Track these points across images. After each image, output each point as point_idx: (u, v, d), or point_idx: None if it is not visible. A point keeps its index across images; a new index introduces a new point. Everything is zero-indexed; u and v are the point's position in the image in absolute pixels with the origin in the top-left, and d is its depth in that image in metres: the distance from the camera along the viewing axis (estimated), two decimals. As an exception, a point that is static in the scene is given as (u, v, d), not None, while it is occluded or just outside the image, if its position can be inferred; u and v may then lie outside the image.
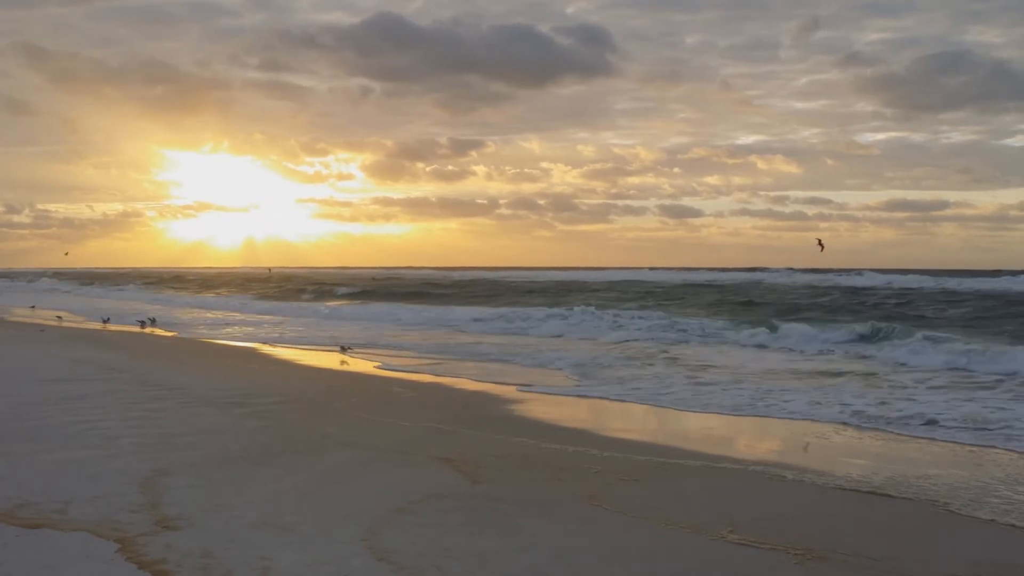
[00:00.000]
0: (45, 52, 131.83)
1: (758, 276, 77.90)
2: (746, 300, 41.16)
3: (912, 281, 58.98)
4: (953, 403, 12.51)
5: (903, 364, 17.47)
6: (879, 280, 62.36)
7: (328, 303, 49.38)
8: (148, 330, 27.96)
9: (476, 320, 31.18)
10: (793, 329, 23.87)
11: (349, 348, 20.47)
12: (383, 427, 10.61)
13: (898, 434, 10.55)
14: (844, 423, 11.14)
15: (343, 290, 60.11)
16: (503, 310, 34.65)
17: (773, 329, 24.03)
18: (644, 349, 21.11)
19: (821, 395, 13.33)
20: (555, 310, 32.72)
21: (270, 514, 6.64)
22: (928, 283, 56.95)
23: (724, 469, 8.65)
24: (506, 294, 52.67)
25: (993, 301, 37.04)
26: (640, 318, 29.11)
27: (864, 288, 51.87)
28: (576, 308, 32.60)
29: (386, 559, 5.70)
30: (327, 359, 19.46)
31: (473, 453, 9.06)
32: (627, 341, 23.51)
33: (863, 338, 21.97)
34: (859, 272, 74.53)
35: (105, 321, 30.73)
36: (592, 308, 32.28)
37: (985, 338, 21.29)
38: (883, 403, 12.50)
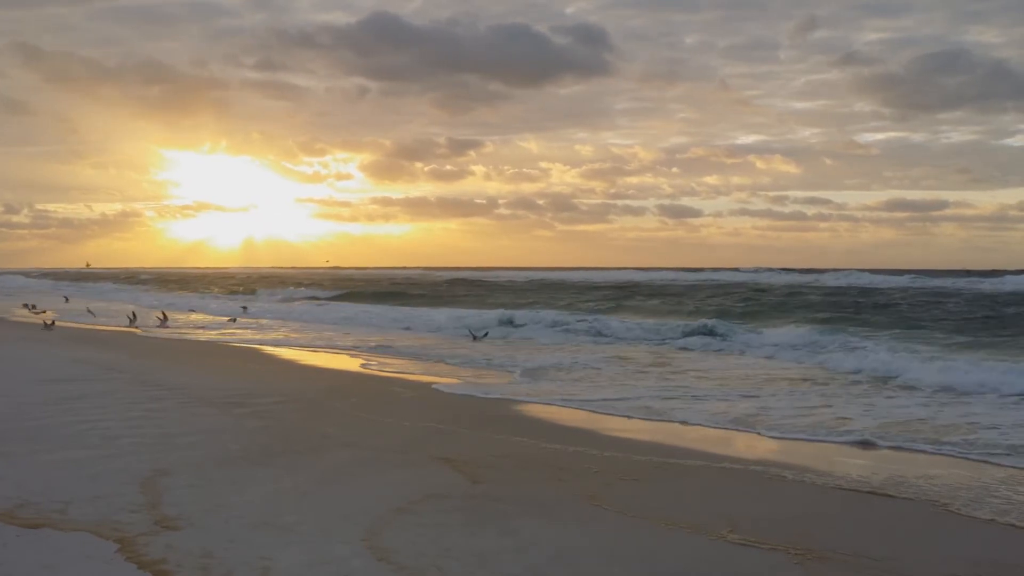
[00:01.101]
0: (44, 52, 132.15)
1: (746, 276, 78.09)
2: (711, 302, 40.57)
3: (902, 281, 58.93)
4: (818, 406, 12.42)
5: (830, 368, 17.13)
6: (865, 280, 62.45)
7: (299, 303, 49.39)
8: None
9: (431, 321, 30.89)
10: (734, 331, 23.75)
11: (481, 337, 20.54)
12: (383, 427, 10.61)
13: (733, 430, 10.77)
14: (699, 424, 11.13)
15: (303, 292, 59.90)
16: (451, 311, 34.82)
17: (710, 332, 23.74)
18: (578, 351, 21.27)
19: (716, 396, 13.32)
20: (499, 312, 32.14)
21: (270, 514, 6.64)
22: (917, 283, 56.82)
23: (724, 469, 8.65)
24: (477, 295, 52.27)
25: (983, 302, 36.90)
26: (581, 320, 28.60)
27: (848, 288, 51.91)
28: (522, 311, 32.13)
29: (386, 559, 5.70)
30: (327, 359, 19.48)
31: (473, 453, 9.06)
32: (565, 344, 23.38)
33: (807, 342, 21.22)
34: (823, 271, 74.94)
35: (190, 311, 34.65)
36: (542, 312, 32.00)
37: (939, 344, 21.07)
38: (764, 406, 12.41)
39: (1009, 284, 53.07)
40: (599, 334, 25.63)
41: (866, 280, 62.89)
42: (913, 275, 68.80)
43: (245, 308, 38.78)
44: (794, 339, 21.81)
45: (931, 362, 16.40)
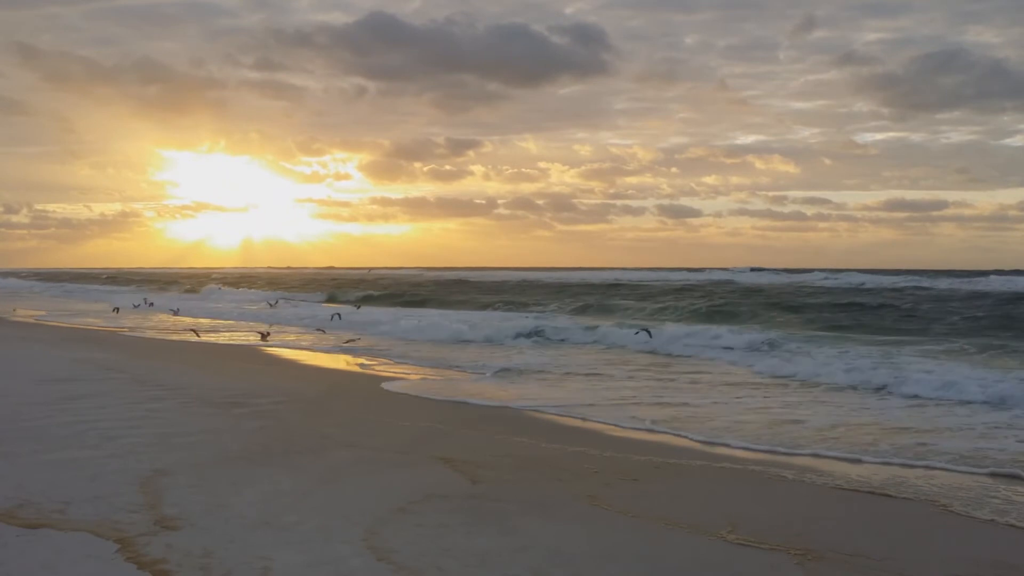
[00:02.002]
0: (41, 51, 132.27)
1: (734, 276, 78.15)
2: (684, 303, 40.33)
3: (895, 281, 58.77)
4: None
5: (780, 374, 16.21)
6: (856, 280, 62.40)
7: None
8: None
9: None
10: (681, 334, 22.76)
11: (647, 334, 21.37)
12: (383, 427, 10.61)
13: (616, 425, 10.93)
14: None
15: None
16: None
17: (653, 335, 22.59)
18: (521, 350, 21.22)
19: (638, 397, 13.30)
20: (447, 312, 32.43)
21: (270, 514, 6.64)
22: (908, 284, 56.61)
23: (724, 469, 8.65)
24: (459, 295, 52.21)
25: (977, 302, 36.65)
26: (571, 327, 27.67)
27: (833, 288, 51.87)
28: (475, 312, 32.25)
29: (386, 559, 5.70)
30: (327, 359, 19.47)
31: (473, 453, 9.06)
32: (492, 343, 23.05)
33: (763, 345, 20.49)
34: (811, 271, 75.12)
35: (272, 304, 33.68)
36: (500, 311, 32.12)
37: (891, 345, 20.74)
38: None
39: (993, 284, 52.86)
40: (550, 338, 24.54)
41: (857, 280, 62.72)
42: (907, 275, 68.78)
43: (340, 314, 34.60)
44: (742, 340, 21.05)
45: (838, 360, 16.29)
